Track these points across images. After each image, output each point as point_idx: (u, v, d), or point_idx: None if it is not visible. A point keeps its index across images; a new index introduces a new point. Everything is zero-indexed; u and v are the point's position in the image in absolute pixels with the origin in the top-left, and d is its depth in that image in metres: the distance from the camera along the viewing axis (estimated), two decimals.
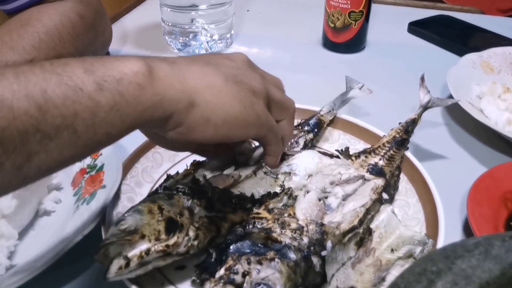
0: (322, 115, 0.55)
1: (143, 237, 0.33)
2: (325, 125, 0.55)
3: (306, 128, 0.54)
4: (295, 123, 0.55)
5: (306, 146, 0.52)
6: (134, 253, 0.33)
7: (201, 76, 0.35)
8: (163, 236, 0.34)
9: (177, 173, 0.43)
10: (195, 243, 0.36)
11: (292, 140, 0.52)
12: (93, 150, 0.31)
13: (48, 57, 0.62)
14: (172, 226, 0.35)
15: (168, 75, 0.32)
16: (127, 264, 0.32)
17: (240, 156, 0.45)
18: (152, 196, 0.38)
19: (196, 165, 0.44)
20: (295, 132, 0.53)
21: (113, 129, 0.30)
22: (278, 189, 0.42)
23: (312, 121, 0.55)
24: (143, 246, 0.33)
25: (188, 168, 0.44)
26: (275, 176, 0.44)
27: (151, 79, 0.31)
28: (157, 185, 0.47)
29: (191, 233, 0.36)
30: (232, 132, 0.36)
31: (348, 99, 0.59)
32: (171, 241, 0.34)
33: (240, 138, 0.38)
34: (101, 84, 0.28)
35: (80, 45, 0.67)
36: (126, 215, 0.35)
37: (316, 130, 0.54)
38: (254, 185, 0.42)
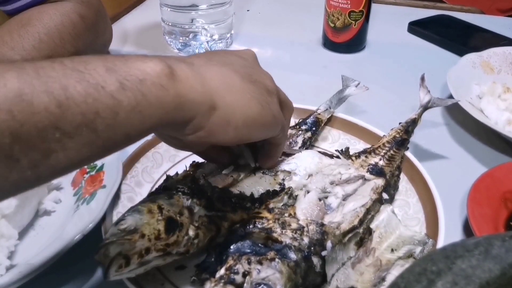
0: (319, 114, 0.56)
1: (143, 236, 0.33)
2: (322, 124, 0.55)
3: (304, 127, 0.54)
4: (293, 123, 0.55)
5: (304, 145, 0.52)
6: (134, 252, 0.33)
7: (220, 77, 0.34)
8: (163, 236, 0.34)
9: (177, 173, 0.43)
10: (195, 242, 0.36)
11: (291, 139, 0.52)
12: (111, 151, 0.29)
13: (49, 57, 0.62)
14: (172, 226, 0.35)
15: (189, 76, 0.32)
16: (127, 264, 0.32)
17: (241, 159, 0.45)
18: (152, 196, 0.38)
19: (195, 166, 0.44)
20: (294, 131, 0.53)
21: (133, 130, 0.29)
22: (277, 187, 0.42)
23: (309, 120, 0.55)
24: (143, 245, 0.33)
25: (188, 169, 0.44)
26: (273, 174, 0.44)
27: (173, 81, 0.30)
28: (157, 185, 0.47)
29: (191, 233, 0.36)
30: (251, 133, 0.36)
31: (345, 97, 0.59)
32: (171, 241, 0.34)
33: (258, 138, 0.38)
34: (123, 83, 0.28)
35: (80, 45, 0.67)
36: (126, 215, 0.35)
37: (314, 128, 0.54)
38: (254, 184, 0.42)
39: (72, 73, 0.26)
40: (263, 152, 0.43)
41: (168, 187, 0.40)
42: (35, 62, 0.26)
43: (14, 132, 0.24)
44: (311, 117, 0.55)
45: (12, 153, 0.24)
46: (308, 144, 0.53)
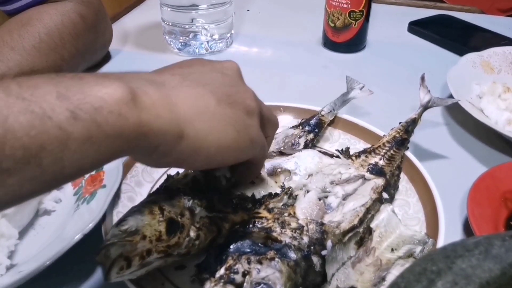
0: (323, 115, 0.55)
1: (144, 238, 0.33)
2: (325, 125, 0.55)
3: (306, 128, 0.54)
4: (296, 123, 0.55)
5: (306, 146, 0.52)
6: (135, 254, 0.33)
7: (193, 101, 0.31)
8: (164, 237, 0.34)
9: (177, 173, 0.43)
10: (196, 243, 0.36)
11: (293, 139, 0.52)
12: (61, 183, 0.27)
13: (49, 57, 0.62)
14: (173, 227, 0.35)
15: (156, 102, 0.28)
16: (128, 265, 0.32)
17: (217, 171, 0.44)
18: (153, 197, 0.38)
19: None
20: (296, 131, 0.53)
21: (87, 162, 0.26)
22: (278, 190, 0.42)
23: (312, 121, 0.55)
24: (144, 247, 0.33)
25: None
26: (274, 175, 0.44)
27: (135, 108, 0.27)
28: (157, 185, 0.47)
29: (192, 234, 0.36)
30: (224, 160, 0.34)
31: (349, 100, 0.59)
32: (172, 242, 0.34)
33: (233, 163, 0.36)
34: (75, 113, 0.25)
35: (80, 45, 0.67)
36: (126, 215, 0.35)
37: (316, 130, 0.54)
38: (255, 186, 0.42)
39: (16, 101, 0.24)
40: (240, 169, 0.40)
41: (169, 188, 0.40)
42: None
43: None
44: (315, 118, 0.55)
45: None
46: (310, 146, 0.53)
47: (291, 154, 0.47)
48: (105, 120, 0.26)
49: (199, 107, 0.31)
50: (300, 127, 0.54)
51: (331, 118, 0.56)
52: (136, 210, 0.35)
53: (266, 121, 0.38)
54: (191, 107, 0.31)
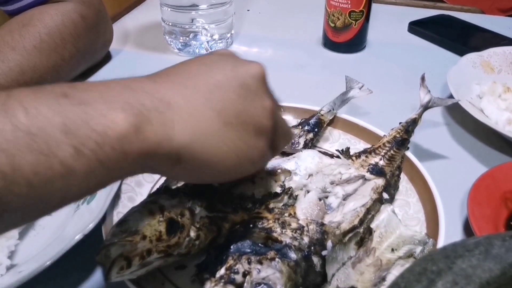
0: (322, 115, 0.55)
1: (144, 237, 0.33)
2: (325, 125, 0.55)
3: (306, 127, 0.54)
4: (295, 123, 0.55)
5: (306, 146, 0.52)
6: (135, 254, 0.33)
7: (195, 126, 0.30)
8: (164, 237, 0.34)
9: None
10: (196, 243, 0.36)
11: (293, 139, 0.52)
12: (59, 209, 0.27)
13: (50, 58, 0.62)
14: (173, 227, 0.35)
15: (158, 132, 0.28)
16: (129, 265, 0.32)
17: None
18: (153, 197, 0.38)
19: None
20: (296, 131, 0.53)
21: (87, 191, 0.28)
22: (278, 190, 0.42)
23: (312, 121, 0.55)
24: (144, 247, 0.33)
25: None
26: (274, 175, 0.44)
27: (137, 141, 0.27)
28: (157, 185, 0.47)
29: (192, 234, 0.36)
30: (219, 181, 0.36)
31: (348, 99, 0.59)
32: (172, 242, 0.34)
33: (229, 181, 0.37)
34: (79, 150, 0.25)
35: (81, 46, 0.67)
36: (127, 216, 0.35)
37: (316, 129, 0.54)
38: (255, 185, 0.42)
39: (24, 137, 0.24)
40: None
41: (169, 188, 0.40)
42: None
43: None
44: (314, 118, 0.55)
45: None
46: (310, 145, 0.53)
47: (291, 154, 0.47)
48: (107, 157, 0.26)
49: (201, 132, 0.30)
50: (300, 126, 0.54)
51: (330, 118, 0.56)
52: (136, 211, 0.35)
53: (280, 137, 0.37)
54: (192, 132, 0.30)
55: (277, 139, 0.36)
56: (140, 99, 0.28)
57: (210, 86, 0.32)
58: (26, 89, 0.26)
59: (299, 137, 0.53)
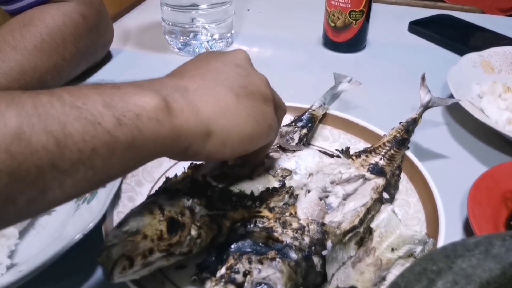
0: (314, 110, 0.56)
1: (145, 237, 0.33)
2: (318, 120, 0.56)
3: (299, 123, 0.54)
4: (288, 121, 0.56)
5: (301, 141, 0.52)
6: (137, 253, 0.33)
7: (215, 101, 0.34)
8: (165, 236, 0.34)
9: (175, 175, 0.43)
10: (198, 242, 0.36)
11: (287, 136, 0.53)
12: (105, 183, 0.30)
13: (51, 58, 0.62)
14: (174, 226, 0.35)
15: (184, 108, 0.32)
16: (131, 265, 0.32)
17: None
18: (152, 198, 0.38)
19: (194, 168, 0.44)
20: (290, 128, 0.54)
21: (129, 165, 0.30)
22: (277, 184, 0.42)
23: (304, 117, 0.55)
24: (146, 246, 0.33)
25: (186, 171, 0.44)
26: (273, 172, 0.44)
27: (169, 115, 0.30)
28: (157, 185, 0.47)
29: (193, 232, 0.36)
30: (248, 148, 0.37)
31: (338, 93, 0.60)
32: (174, 241, 0.34)
33: (255, 149, 0.38)
34: (120, 119, 0.28)
35: (82, 46, 0.67)
36: (127, 217, 0.35)
37: (309, 125, 0.54)
38: (253, 181, 0.42)
39: (71, 110, 0.26)
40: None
41: (168, 188, 0.40)
42: (34, 97, 0.26)
43: (12, 171, 0.24)
44: (306, 114, 0.55)
45: (9, 192, 0.24)
46: (305, 140, 0.53)
47: (290, 150, 0.47)
48: (146, 126, 0.29)
49: (221, 106, 0.34)
50: (293, 124, 0.54)
51: (322, 113, 0.56)
52: (136, 211, 0.35)
53: (278, 105, 0.41)
54: (214, 107, 0.34)
55: (277, 109, 0.41)
56: (162, 86, 0.32)
57: (212, 72, 0.37)
58: (65, 86, 0.29)
59: (293, 133, 0.53)
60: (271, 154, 0.47)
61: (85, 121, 0.26)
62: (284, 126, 0.54)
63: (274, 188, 0.42)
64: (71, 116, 0.26)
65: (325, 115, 0.57)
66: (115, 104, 0.28)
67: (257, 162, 0.44)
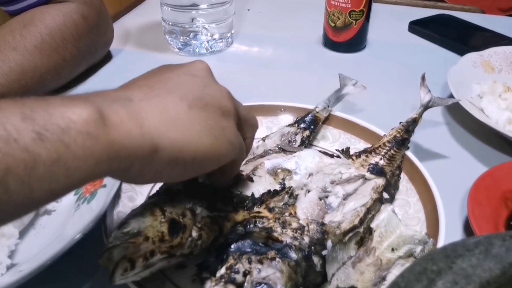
0: (317, 112, 0.56)
1: (147, 239, 0.33)
2: (320, 122, 0.56)
3: (302, 125, 0.54)
4: (292, 121, 0.55)
5: (303, 143, 0.52)
6: (138, 255, 0.33)
7: (163, 111, 0.30)
8: (166, 238, 0.34)
9: None
10: (199, 243, 0.36)
11: (290, 137, 0.53)
12: (32, 209, 0.26)
13: (51, 58, 0.62)
14: (175, 228, 0.35)
15: (124, 119, 0.27)
16: (132, 267, 0.32)
17: None
18: (153, 199, 0.38)
19: None
20: (293, 129, 0.54)
21: (58, 185, 0.25)
22: (278, 187, 0.42)
23: (308, 118, 0.55)
24: (147, 248, 0.33)
25: None
26: (274, 173, 0.44)
27: (104, 127, 0.26)
28: (157, 185, 0.47)
29: (194, 234, 0.36)
30: (203, 168, 0.33)
31: (343, 96, 0.60)
32: (175, 242, 0.34)
33: (212, 169, 0.34)
34: (41, 134, 0.24)
35: (82, 46, 0.67)
36: (128, 218, 0.35)
37: (312, 127, 0.54)
38: (254, 184, 0.42)
39: None
40: (215, 172, 0.36)
41: (169, 189, 0.40)
42: None
43: None
44: (309, 115, 0.55)
45: None
46: (307, 143, 0.53)
47: (290, 151, 0.47)
48: (74, 141, 0.25)
49: (170, 116, 0.30)
50: (296, 125, 0.54)
51: (326, 115, 0.56)
52: (137, 213, 0.35)
53: (244, 121, 0.37)
54: (161, 118, 0.30)
55: (243, 124, 0.37)
56: (100, 97, 0.28)
57: (163, 82, 0.33)
58: None
59: (296, 134, 0.53)
60: (271, 154, 0.47)
61: None
62: (286, 126, 0.54)
63: (275, 190, 0.42)
64: None
65: (328, 117, 0.57)
66: (36, 116, 0.24)
67: (224, 184, 0.40)
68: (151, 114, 0.29)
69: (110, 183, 0.44)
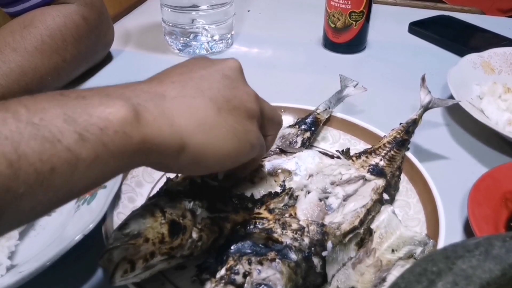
0: (318, 114, 0.56)
1: (147, 240, 0.33)
2: (321, 123, 0.56)
3: (303, 126, 0.54)
4: (292, 122, 0.55)
5: (304, 144, 0.52)
6: (138, 257, 0.33)
7: (192, 112, 0.31)
8: (167, 239, 0.34)
9: (177, 176, 0.43)
10: (199, 244, 0.36)
11: (290, 138, 0.53)
12: (67, 202, 0.28)
13: (51, 59, 0.62)
14: (175, 229, 0.35)
15: (157, 118, 0.29)
16: (132, 268, 0.32)
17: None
18: (153, 200, 0.38)
19: None
20: (293, 130, 0.54)
21: (94, 180, 0.27)
22: (278, 189, 0.42)
23: (308, 120, 0.55)
24: (147, 249, 0.33)
25: None
26: (274, 174, 0.44)
27: (138, 126, 0.28)
28: (157, 185, 0.47)
29: (195, 235, 0.36)
30: (226, 166, 0.35)
31: (344, 97, 0.60)
32: (175, 244, 0.34)
33: (234, 166, 0.36)
34: (82, 135, 0.25)
35: (82, 47, 0.67)
36: (128, 219, 0.35)
37: (313, 128, 0.54)
38: (255, 185, 0.42)
39: (27, 127, 0.24)
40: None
41: (169, 190, 0.40)
42: None
43: None
44: (310, 117, 0.55)
45: None
46: (308, 144, 0.53)
47: (291, 153, 0.47)
48: (111, 140, 0.26)
49: (199, 118, 0.32)
50: (297, 126, 0.54)
51: (326, 116, 0.56)
52: (137, 214, 0.35)
53: (268, 120, 0.39)
54: (191, 118, 0.31)
55: (267, 124, 0.38)
56: (135, 93, 0.30)
57: (196, 80, 0.34)
58: (24, 96, 0.26)
59: (297, 136, 0.53)
60: (271, 155, 0.47)
61: (42, 139, 0.24)
62: (287, 127, 0.55)
63: (275, 193, 0.42)
64: (26, 134, 0.24)
65: (329, 118, 0.57)
66: (77, 117, 0.26)
67: (242, 175, 0.42)
68: (182, 113, 0.31)
69: (110, 184, 0.44)
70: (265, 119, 0.38)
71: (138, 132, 0.28)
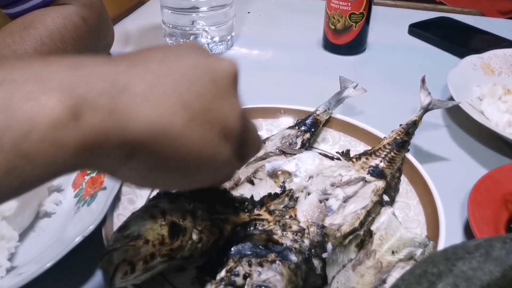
0: (318, 115, 0.56)
1: (147, 242, 0.33)
2: (321, 125, 0.56)
3: (303, 128, 0.54)
4: (292, 123, 0.55)
5: (303, 146, 0.52)
6: (139, 258, 0.33)
7: (154, 117, 0.25)
8: (167, 241, 0.34)
9: None
10: (199, 246, 0.36)
11: (290, 139, 0.53)
12: None
13: None
14: (175, 230, 0.35)
15: (106, 119, 0.23)
16: (132, 270, 0.32)
17: None
18: (154, 201, 0.38)
19: None
20: (293, 132, 0.54)
21: (10, 192, 0.22)
22: (278, 190, 0.42)
23: (308, 121, 0.55)
24: (147, 251, 0.33)
25: None
26: (274, 176, 0.44)
27: (76, 127, 0.22)
28: None
29: (195, 237, 0.36)
30: (176, 188, 0.31)
31: (343, 99, 0.60)
32: (175, 245, 0.34)
33: (186, 190, 0.32)
34: None
35: (82, 49, 0.67)
36: (128, 221, 0.35)
37: (313, 129, 0.54)
38: (254, 186, 0.42)
39: None
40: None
41: (169, 191, 0.40)
42: None
43: None
44: (310, 118, 0.55)
45: None
46: (307, 145, 0.53)
47: (291, 154, 0.47)
48: (35, 150, 0.21)
49: (162, 123, 0.25)
50: (296, 127, 0.54)
51: (326, 118, 0.56)
52: (137, 215, 0.35)
53: (249, 144, 0.33)
54: (151, 122, 0.25)
55: (246, 147, 0.32)
56: (88, 79, 0.24)
57: (177, 75, 0.27)
58: None
59: (297, 137, 0.53)
60: (271, 157, 0.47)
61: None
62: (287, 129, 0.55)
63: (275, 194, 0.42)
64: None
65: (329, 119, 0.57)
66: None
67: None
68: (141, 116, 0.25)
69: (110, 186, 0.44)
70: (245, 143, 0.32)
71: (74, 136, 0.22)
